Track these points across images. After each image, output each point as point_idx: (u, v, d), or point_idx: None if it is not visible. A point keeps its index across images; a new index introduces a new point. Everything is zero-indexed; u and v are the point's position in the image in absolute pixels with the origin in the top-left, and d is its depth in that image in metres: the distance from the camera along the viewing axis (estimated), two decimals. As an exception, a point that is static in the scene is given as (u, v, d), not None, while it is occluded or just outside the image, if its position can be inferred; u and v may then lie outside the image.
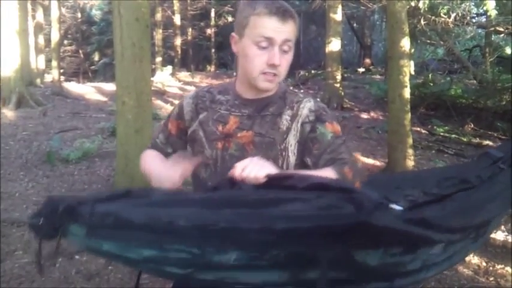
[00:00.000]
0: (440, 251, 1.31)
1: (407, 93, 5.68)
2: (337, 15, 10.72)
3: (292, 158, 1.41)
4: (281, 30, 1.29)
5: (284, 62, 1.34)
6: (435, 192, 1.53)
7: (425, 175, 1.64)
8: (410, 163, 5.71)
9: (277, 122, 1.42)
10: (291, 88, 1.50)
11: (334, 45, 10.82)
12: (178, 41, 19.61)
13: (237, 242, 1.06)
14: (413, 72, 12.42)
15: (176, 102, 11.90)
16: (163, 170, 1.38)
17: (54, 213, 1.10)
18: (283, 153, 1.40)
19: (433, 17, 8.90)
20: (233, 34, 1.40)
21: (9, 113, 8.66)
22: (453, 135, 8.97)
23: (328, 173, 1.26)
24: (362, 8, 10.93)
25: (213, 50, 22.88)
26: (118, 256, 1.13)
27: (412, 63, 12.40)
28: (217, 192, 1.21)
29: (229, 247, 1.06)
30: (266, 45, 1.31)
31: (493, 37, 11.35)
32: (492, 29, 9.32)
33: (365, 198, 1.01)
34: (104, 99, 11.44)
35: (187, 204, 1.13)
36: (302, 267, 1.10)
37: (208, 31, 22.80)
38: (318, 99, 1.56)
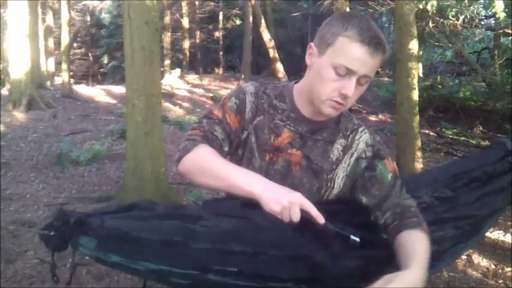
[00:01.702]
0: None
1: (415, 95, 5.67)
2: (345, 18, 10.69)
3: (337, 190, 1.33)
4: (366, 64, 1.15)
5: (356, 94, 1.21)
6: (445, 196, 1.53)
7: (436, 176, 1.64)
8: (418, 166, 5.70)
9: (328, 150, 1.33)
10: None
11: (342, 47, 10.75)
12: (186, 44, 19.66)
13: (236, 263, 1.12)
14: (421, 75, 12.40)
15: (185, 104, 11.93)
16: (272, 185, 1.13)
17: (65, 225, 1.11)
18: (329, 184, 1.32)
19: (441, 20, 8.87)
20: (312, 45, 1.25)
21: (19, 115, 8.73)
22: (462, 138, 8.97)
23: (424, 241, 1.18)
24: (370, 10, 10.89)
25: (221, 53, 22.89)
26: (125, 267, 1.15)
27: (420, 65, 12.37)
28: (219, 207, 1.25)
29: (229, 267, 1.12)
30: (344, 74, 1.16)
31: (502, 39, 11.28)
32: (501, 31, 9.25)
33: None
34: (113, 101, 11.51)
35: (193, 222, 1.16)
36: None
37: (217, 34, 22.83)
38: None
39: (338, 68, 1.16)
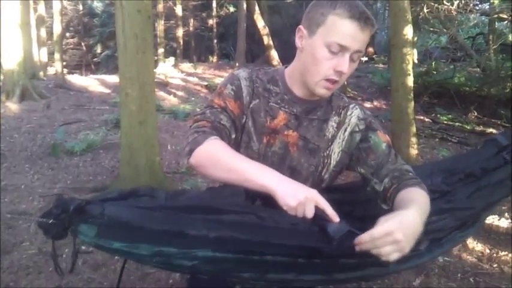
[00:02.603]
0: (427, 243, 1.34)
1: (410, 81, 5.67)
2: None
3: (332, 165, 1.39)
4: (358, 39, 1.18)
5: (350, 70, 1.23)
6: (441, 190, 1.53)
7: (431, 170, 1.64)
8: (413, 152, 5.72)
9: (323, 128, 1.37)
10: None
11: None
12: (180, 32, 19.54)
13: (236, 249, 1.14)
14: (416, 61, 12.37)
15: (179, 93, 11.88)
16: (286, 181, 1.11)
17: (64, 213, 1.10)
18: (325, 161, 1.37)
19: (436, 5, 8.84)
20: (301, 27, 1.27)
21: (13, 106, 8.67)
22: (457, 123, 8.97)
23: (423, 195, 1.20)
24: (364, -4, 10.85)
25: (215, 41, 22.78)
26: (128, 253, 1.14)
27: (415, 51, 12.34)
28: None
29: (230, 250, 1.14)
30: (337, 51, 1.19)
31: (497, 24, 11.26)
32: (495, 16, 9.24)
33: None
34: (107, 91, 11.45)
35: (194, 211, 1.17)
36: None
37: (210, 22, 22.71)
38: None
39: (331, 46, 1.19)
